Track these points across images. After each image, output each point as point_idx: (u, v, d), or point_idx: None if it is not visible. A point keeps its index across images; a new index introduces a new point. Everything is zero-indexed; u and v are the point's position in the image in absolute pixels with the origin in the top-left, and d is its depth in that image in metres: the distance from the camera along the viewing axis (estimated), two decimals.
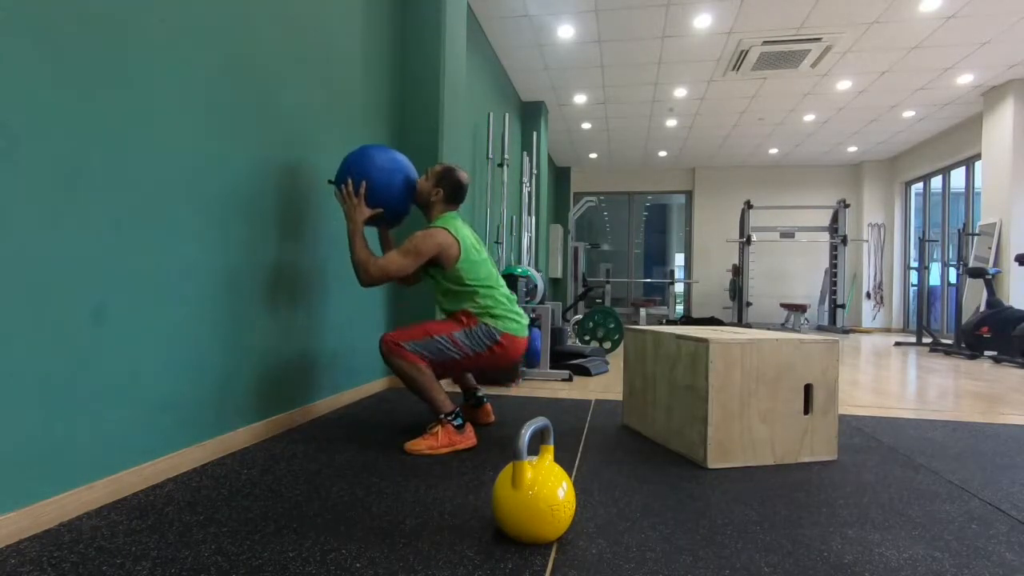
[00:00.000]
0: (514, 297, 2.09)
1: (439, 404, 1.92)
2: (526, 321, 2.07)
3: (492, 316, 1.99)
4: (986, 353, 5.66)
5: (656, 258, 13.02)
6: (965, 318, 6.42)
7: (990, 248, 6.32)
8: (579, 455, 1.88)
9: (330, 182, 2.10)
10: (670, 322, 9.13)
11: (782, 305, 9.02)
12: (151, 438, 1.52)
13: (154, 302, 1.52)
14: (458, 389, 2.99)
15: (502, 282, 2.09)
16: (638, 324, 8.91)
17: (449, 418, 1.90)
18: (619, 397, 2.99)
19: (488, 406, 2.30)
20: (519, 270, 3.85)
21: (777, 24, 4.87)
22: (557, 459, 1.79)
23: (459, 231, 2.02)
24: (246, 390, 1.91)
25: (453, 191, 2.10)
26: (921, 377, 4.05)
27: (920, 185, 9.00)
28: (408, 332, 1.95)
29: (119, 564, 1.07)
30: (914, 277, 8.92)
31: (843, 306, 8.59)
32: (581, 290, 9.02)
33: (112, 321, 1.39)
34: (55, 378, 1.24)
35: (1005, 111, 6.24)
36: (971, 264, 6.47)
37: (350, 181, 1.99)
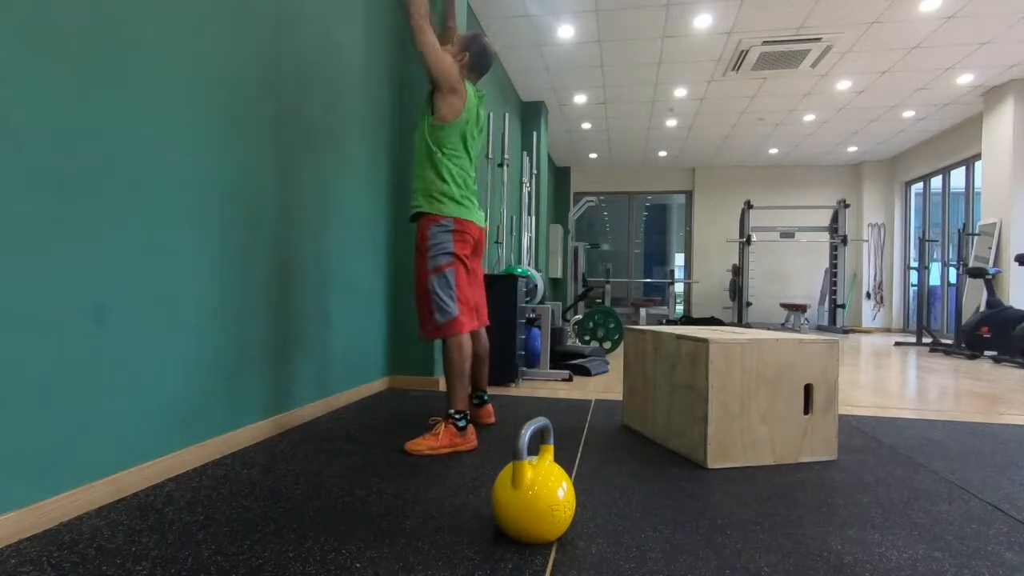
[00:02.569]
0: (474, 187, 2.09)
1: (456, 398, 1.93)
2: (481, 213, 2.10)
3: (441, 203, 1.98)
4: (986, 353, 5.66)
5: (656, 258, 13.02)
6: (965, 318, 6.42)
7: (990, 248, 6.32)
8: (579, 455, 1.88)
9: None
10: (670, 322, 9.13)
11: (782, 305, 9.01)
12: (151, 438, 1.52)
13: (154, 302, 1.52)
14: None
15: (472, 176, 2.07)
16: (638, 324, 8.91)
17: (456, 417, 1.90)
18: (619, 397, 2.99)
19: (490, 407, 2.30)
20: (519, 270, 3.85)
21: (777, 24, 4.87)
22: (557, 459, 1.79)
23: (473, 102, 2.04)
24: (246, 390, 1.91)
25: (479, 58, 2.10)
26: (921, 377, 4.05)
27: (920, 185, 9.00)
28: (424, 310, 2.00)
29: (119, 564, 1.07)
30: (914, 277, 8.92)
31: (843, 306, 8.59)
32: (581, 290, 9.02)
33: (112, 321, 1.39)
34: (55, 378, 1.24)
35: (1005, 111, 6.24)
36: (971, 264, 6.47)
37: None
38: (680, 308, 11.10)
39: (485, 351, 2.28)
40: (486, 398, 2.31)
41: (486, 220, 2.07)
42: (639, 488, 1.56)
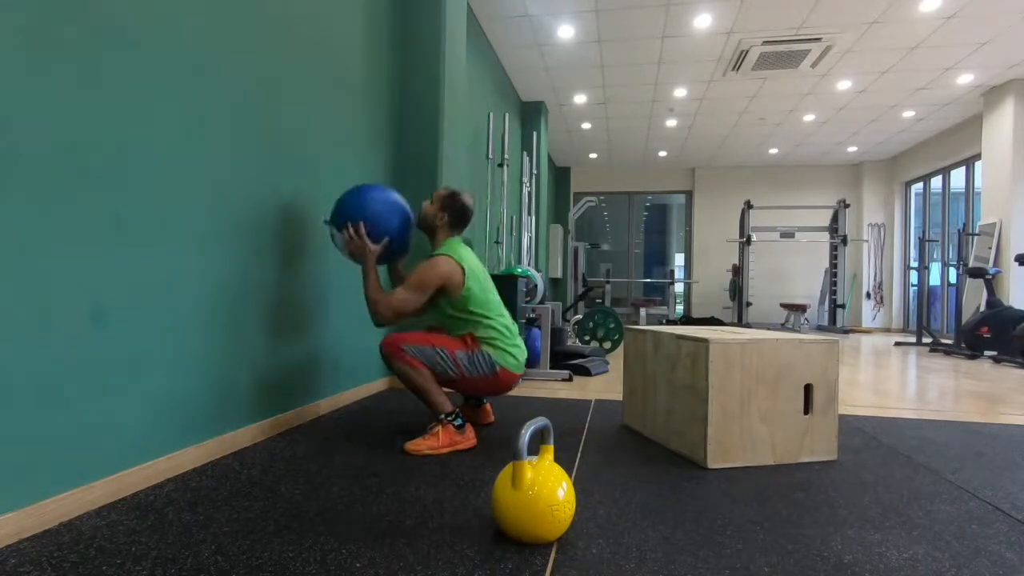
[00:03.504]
0: (516, 328, 2.09)
1: (439, 405, 1.92)
2: (523, 357, 2.08)
3: (493, 347, 1.99)
4: (986, 353, 5.66)
5: (656, 258, 13.03)
6: (965, 318, 6.42)
7: (990, 248, 6.32)
8: (579, 455, 1.88)
9: (325, 222, 2.10)
10: (670, 322, 9.13)
11: (782, 305, 9.01)
12: (151, 438, 1.52)
13: (154, 302, 1.52)
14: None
15: (505, 312, 2.09)
16: (638, 324, 8.91)
17: (449, 418, 1.90)
18: (619, 397, 2.99)
19: (488, 406, 2.30)
20: (519, 270, 3.85)
21: (777, 24, 4.87)
22: (557, 459, 1.79)
23: (463, 258, 2.02)
24: (246, 390, 1.91)
25: (458, 216, 2.10)
26: (921, 377, 4.05)
27: (920, 185, 9.00)
28: (410, 337, 1.95)
29: (119, 564, 1.07)
30: (914, 277, 8.92)
31: (843, 306, 8.59)
32: (581, 290, 9.02)
33: (112, 321, 1.39)
34: (55, 378, 1.24)
35: (1005, 111, 6.24)
36: (971, 264, 6.47)
37: (349, 225, 1.99)
38: (680, 308, 11.10)
39: None
40: (484, 398, 2.30)
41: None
42: (639, 488, 1.56)
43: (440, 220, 2.10)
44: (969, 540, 1.25)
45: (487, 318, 2.01)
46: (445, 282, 1.97)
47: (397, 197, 2.13)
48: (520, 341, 2.08)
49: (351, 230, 2.00)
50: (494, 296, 2.08)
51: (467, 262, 2.02)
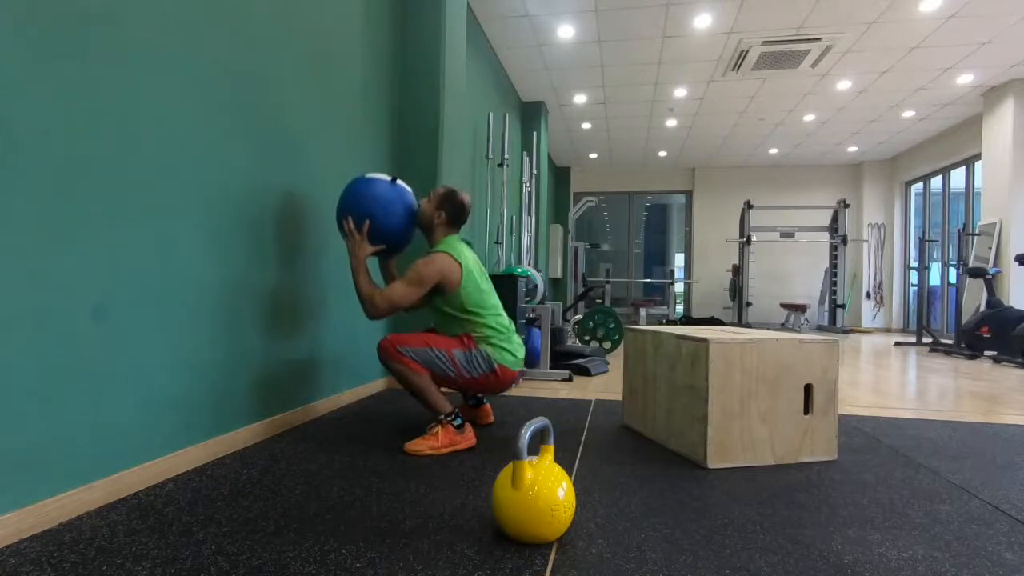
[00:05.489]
0: (512, 326, 2.09)
1: (437, 405, 1.92)
2: (521, 354, 2.07)
3: (490, 345, 1.99)
4: (986, 353, 5.66)
5: (656, 258, 13.04)
6: (965, 318, 6.42)
7: (990, 248, 6.32)
8: (579, 455, 1.87)
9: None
10: (670, 322, 9.13)
11: (782, 305, 9.01)
12: (151, 438, 1.52)
13: (154, 302, 1.52)
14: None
15: (502, 311, 2.09)
16: (638, 324, 8.91)
17: (448, 418, 1.90)
18: (619, 397, 2.99)
19: (488, 406, 2.30)
20: (519, 270, 3.85)
21: (777, 24, 4.87)
22: (557, 459, 1.79)
23: (462, 255, 2.02)
24: (246, 390, 1.91)
25: (456, 213, 2.10)
26: (921, 377, 4.05)
27: (920, 185, 9.00)
28: (408, 338, 1.95)
29: (119, 564, 1.07)
30: (914, 277, 8.92)
31: (843, 306, 8.59)
32: (581, 290, 9.02)
33: (112, 321, 1.39)
34: (55, 378, 1.24)
35: (1005, 111, 6.24)
36: (971, 264, 6.47)
37: (350, 219, 1.99)
38: (680, 308, 11.10)
39: None
40: (483, 398, 2.31)
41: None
42: (639, 488, 1.56)
43: (438, 218, 2.10)
44: (969, 540, 1.25)
45: (482, 317, 2.00)
46: (442, 279, 1.97)
47: (402, 190, 2.08)
48: (517, 338, 2.08)
49: (351, 225, 1.99)
50: (491, 296, 2.08)
51: (465, 260, 2.02)
